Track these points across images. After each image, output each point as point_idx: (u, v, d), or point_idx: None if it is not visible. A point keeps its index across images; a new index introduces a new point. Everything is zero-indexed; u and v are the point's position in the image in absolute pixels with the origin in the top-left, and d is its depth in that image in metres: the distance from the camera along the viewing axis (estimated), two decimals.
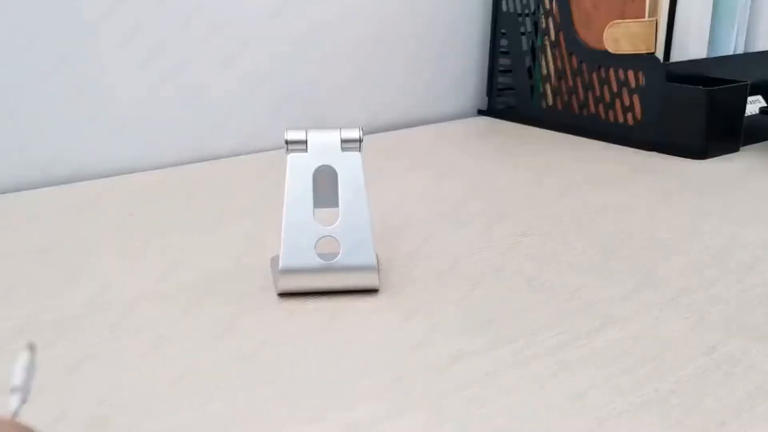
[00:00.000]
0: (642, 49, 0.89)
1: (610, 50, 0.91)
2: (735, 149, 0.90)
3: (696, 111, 0.85)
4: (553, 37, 0.99)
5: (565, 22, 0.97)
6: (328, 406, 0.38)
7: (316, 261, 0.49)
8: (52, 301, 0.47)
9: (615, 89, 0.92)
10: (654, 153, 0.88)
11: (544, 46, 1.01)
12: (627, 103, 0.91)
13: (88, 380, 0.41)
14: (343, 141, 0.50)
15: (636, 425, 0.37)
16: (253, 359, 0.43)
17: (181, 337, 0.46)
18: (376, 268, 0.50)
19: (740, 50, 0.95)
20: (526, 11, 1.03)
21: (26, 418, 0.38)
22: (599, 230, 0.64)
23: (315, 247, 0.49)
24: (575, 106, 0.98)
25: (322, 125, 0.52)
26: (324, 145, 0.50)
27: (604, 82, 0.93)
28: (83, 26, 0.79)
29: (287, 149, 0.49)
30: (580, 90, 0.97)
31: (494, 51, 1.10)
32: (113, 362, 0.43)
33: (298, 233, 0.49)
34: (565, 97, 0.99)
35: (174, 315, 0.48)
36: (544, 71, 1.02)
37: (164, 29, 0.83)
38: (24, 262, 0.58)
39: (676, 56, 0.89)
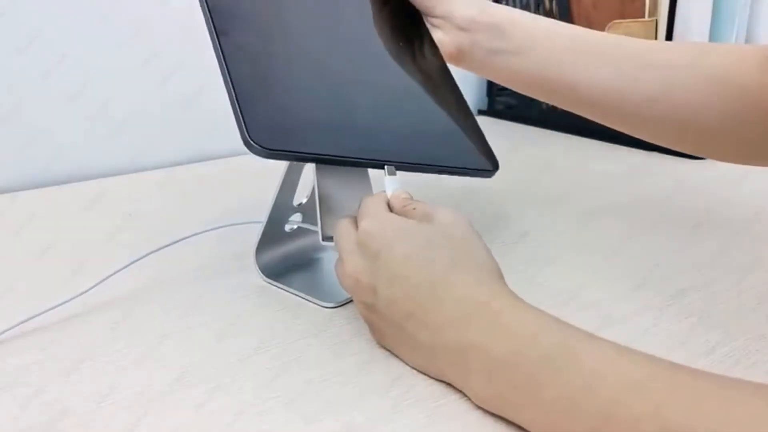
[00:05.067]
0: None
1: None
2: None
3: None
4: None
5: (565, 22, 0.97)
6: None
7: None
8: (52, 301, 0.47)
9: None
10: (654, 153, 0.88)
11: None
12: None
13: (89, 379, 0.41)
14: None
15: None
16: (250, 355, 0.43)
17: (181, 336, 0.46)
18: None
19: None
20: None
21: (27, 418, 0.38)
22: (599, 230, 0.64)
23: None
24: None
25: None
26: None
27: None
28: (84, 26, 0.79)
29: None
30: None
31: None
32: (114, 361, 0.43)
33: None
34: None
35: (174, 314, 0.48)
36: None
37: (164, 29, 0.83)
38: (24, 262, 0.58)
39: None
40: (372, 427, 0.37)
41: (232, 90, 0.41)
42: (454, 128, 0.54)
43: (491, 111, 1.12)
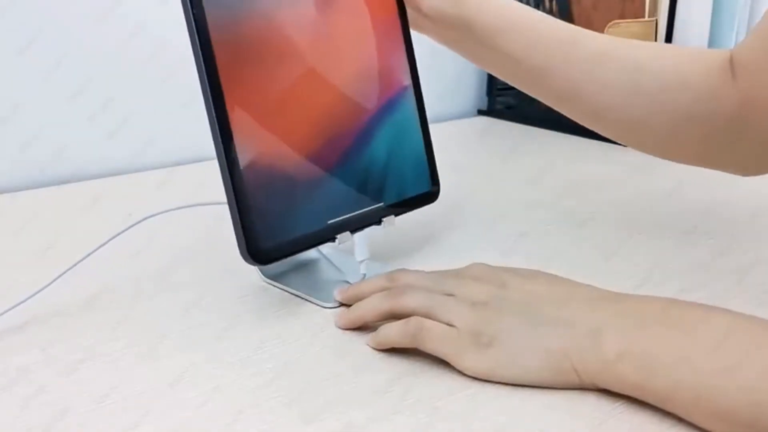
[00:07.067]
0: None
1: None
2: None
3: None
4: None
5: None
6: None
7: None
8: (51, 301, 0.47)
9: None
10: None
11: None
12: None
13: (89, 379, 0.41)
14: None
15: (634, 426, 0.37)
16: (250, 355, 0.43)
17: (181, 336, 0.46)
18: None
19: None
20: None
21: (27, 418, 0.38)
22: (599, 230, 0.64)
23: None
24: None
25: None
26: None
27: None
28: (84, 26, 0.79)
29: None
30: None
31: None
32: (114, 361, 0.43)
33: None
34: None
35: (175, 313, 0.48)
36: None
37: (164, 28, 0.83)
38: (24, 261, 0.58)
39: None
40: (372, 427, 0.37)
41: (237, 213, 0.45)
42: (410, 169, 0.56)
43: (491, 111, 1.12)
